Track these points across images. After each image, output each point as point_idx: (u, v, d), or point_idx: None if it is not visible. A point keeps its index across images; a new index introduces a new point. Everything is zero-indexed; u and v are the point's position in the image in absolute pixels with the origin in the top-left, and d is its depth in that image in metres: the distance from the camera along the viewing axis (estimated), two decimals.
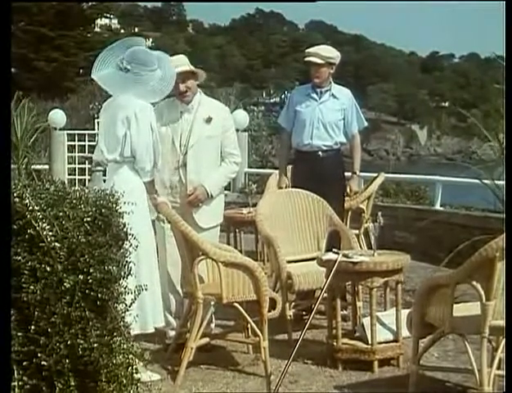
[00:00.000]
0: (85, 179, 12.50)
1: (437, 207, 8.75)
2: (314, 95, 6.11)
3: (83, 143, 12.81)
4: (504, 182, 5.02)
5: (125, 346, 2.87)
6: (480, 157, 9.15)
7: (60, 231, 2.79)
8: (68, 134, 12.62)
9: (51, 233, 2.77)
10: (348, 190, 6.19)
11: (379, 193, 9.46)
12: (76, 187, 3.03)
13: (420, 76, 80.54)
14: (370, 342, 4.76)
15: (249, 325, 4.86)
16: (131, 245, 3.04)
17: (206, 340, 4.83)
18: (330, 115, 6.08)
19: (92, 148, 12.81)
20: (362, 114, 6.32)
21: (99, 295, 2.83)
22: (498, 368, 4.04)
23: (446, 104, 77.53)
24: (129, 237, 3.04)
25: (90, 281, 2.82)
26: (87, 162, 12.49)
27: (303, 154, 6.13)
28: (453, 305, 4.07)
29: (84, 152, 12.68)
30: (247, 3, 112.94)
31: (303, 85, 6.51)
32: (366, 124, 6.32)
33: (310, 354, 4.93)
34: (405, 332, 4.78)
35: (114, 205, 2.96)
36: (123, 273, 2.93)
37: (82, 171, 12.74)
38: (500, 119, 7.00)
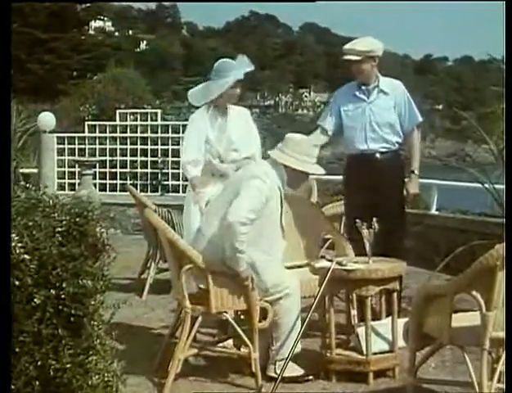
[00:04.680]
0: (75, 183, 12.34)
1: (433, 211, 8.61)
2: (361, 95, 5.49)
3: (72, 146, 12.67)
4: (504, 187, 4.86)
5: (101, 366, 2.69)
6: (474, 160, 9.05)
7: (30, 242, 2.62)
8: (57, 137, 12.48)
9: (20, 245, 2.60)
10: (405, 193, 5.53)
11: None
12: (50, 193, 2.83)
13: (414, 79, 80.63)
14: (364, 353, 4.63)
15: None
16: (108, 256, 2.86)
17: (194, 351, 4.71)
18: (383, 115, 5.45)
19: (81, 151, 12.69)
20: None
21: (72, 312, 2.65)
22: (498, 381, 3.90)
23: (440, 107, 77.77)
24: (107, 247, 2.86)
25: (63, 296, 2.64)
26: (76, 165, 12.32)
27: (357, 158, 5.50)
28: (452, 316, 3.92)
29: (74, 155, 12.53)
30: (241, 3, 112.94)
31: (347, 84, 5.69)
32: (420, 118, 5.60)
33: (303, 364, 4.75)
34: (401, 342, 4.64)
35: (91, 214, 2.78)
36: (99, 287, 2.75)
37: (72, 175, 12.60)
38: (497, 121, 6.88)
